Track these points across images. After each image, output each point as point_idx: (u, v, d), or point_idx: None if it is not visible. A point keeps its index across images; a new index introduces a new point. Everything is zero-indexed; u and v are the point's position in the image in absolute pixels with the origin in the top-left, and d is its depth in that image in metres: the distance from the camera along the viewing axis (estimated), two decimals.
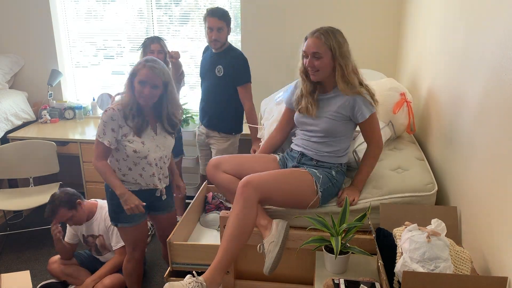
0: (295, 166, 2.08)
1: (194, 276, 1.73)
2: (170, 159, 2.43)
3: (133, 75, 2.11)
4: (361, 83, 1.97)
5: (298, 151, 2.10)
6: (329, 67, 1.93)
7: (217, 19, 2.83)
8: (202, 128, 3.19)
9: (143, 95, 2.09)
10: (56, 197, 2.53)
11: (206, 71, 3.04)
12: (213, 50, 2.98)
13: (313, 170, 2.01)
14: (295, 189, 1.95)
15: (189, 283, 1.69)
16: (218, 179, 2.07)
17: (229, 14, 2.92)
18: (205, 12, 2.92)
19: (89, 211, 2.66)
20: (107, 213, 2.47)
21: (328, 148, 2.03)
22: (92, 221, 2.67)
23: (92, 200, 2.75)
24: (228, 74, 2.92)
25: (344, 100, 1.96)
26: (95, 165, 2.16)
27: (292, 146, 2.16)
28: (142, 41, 3.02)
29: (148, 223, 2.95)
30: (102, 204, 2.69)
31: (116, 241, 2.64)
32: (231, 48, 2.99)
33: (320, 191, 1.96)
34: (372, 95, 1.98)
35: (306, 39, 1.96)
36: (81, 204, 2.59)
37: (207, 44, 3.06)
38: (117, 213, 2.24)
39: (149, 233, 3.08)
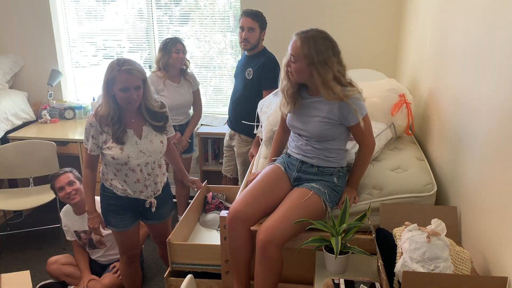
0: (297, 178, 2.01)
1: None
2: (176, 159, 2.45)
3: (110, 83, 2.00)
4: (347, 85, 1.87)
5: (297, 159, 2.01)
6: (303, 73, 1.86)
7: (250, 19, 2.85)
8: (228, 129, 3.25)
9: (131, 99, 2.01)
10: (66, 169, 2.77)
11: (238, 74, 3.05)
12: (246, 53, 3.00)
13: (316, 186, 1.93)
14: (308, 218, 1.85)
15: None
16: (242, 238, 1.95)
17: (265, 18, 2.92)
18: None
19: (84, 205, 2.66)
20: None
21: (326, 153, 1.96)
22: (84, 216, 2.63)
23: None
24: (256, 77, 2.91)
25: (331, 105, 1.87)
26: (83, 172, 2.24)
27: (289, 152, 2.08)
28: (163, 43, 3.01)
29: None
30: (97, 199, 2.69)
31: None
32: (264, 51, 2.98)
33: (330, 206, 1.94)
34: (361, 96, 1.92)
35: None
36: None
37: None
38: (105, 215, 2.27)
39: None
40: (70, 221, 2.74)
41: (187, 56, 3.11)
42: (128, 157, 2.09)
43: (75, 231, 2.73)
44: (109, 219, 2.25)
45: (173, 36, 3.08)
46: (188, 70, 3.16)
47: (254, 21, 2.84)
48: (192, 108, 3.29)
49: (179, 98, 3.07)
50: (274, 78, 2.89)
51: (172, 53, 2.97)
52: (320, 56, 1.80)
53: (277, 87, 2.81)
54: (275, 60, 2.94)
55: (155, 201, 2.25)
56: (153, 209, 2.26)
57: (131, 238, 2.32)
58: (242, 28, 2.87)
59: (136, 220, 2.30)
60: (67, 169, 2.76)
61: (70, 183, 2.67)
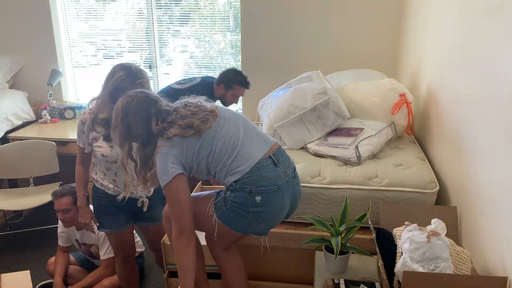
0: None
1: None
2: None
3: (117, 91, 1.95)
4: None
5: None
6: None
7: (246, 89, 3.06)
8: None
9: None
10: (72, 186, 2.55)
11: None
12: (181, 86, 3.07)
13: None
14: (202, 212, 1.73)
15: None
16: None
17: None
18: (236, 78, 2.99)
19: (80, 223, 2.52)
20: None
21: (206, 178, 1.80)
22: (85, 231, 2.61)
23: None
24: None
25: None
26: (76, 168, 2.23)
27: None
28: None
29: None
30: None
31: (105, 252, 2.59)
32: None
33: (217, 214, 1.68)
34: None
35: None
36: None
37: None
38: (98, 217, 2.26)
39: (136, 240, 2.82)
40: (70, 230, 2.68)
41: None
42: (118, 155, 2.01)
43: (76, 240, 2.69)
44: (102, 221, 2.24)
45: None
46: None
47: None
48: None
49: None
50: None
51: None
52: None
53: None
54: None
55: (147, 201, 2.22)
56: (145, 209, 2.23)
57: (125, 239, 2.31)
58: (235, 97, 3.04)
59: (129, 221, 2.28)
60: (69, 189, 2.56)
61: (65, 211, 2.52)
